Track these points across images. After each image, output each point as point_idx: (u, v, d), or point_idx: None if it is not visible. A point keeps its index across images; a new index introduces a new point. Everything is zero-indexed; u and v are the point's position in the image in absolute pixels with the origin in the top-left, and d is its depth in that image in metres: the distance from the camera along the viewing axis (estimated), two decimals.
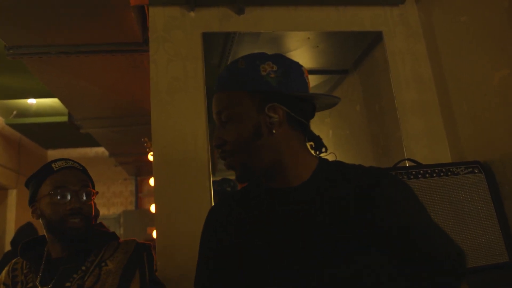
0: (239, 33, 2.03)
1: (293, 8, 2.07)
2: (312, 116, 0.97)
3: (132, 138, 4.68)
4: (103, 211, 7.36)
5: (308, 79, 0.95)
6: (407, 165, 1.82)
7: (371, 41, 2.20)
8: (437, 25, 2.01)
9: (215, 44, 2.08)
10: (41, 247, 1.32)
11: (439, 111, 2.03)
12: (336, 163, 0.97)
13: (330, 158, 0.99)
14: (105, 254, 1.29)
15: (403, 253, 0.83)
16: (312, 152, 0.98)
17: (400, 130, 1.98)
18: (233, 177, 2.40)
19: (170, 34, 1.95)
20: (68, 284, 1.20)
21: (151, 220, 5.85)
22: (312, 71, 2.55)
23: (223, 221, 0.99)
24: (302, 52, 2.26)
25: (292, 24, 2.07)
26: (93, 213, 1.31)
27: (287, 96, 0.90)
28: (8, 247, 4.52)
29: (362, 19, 2.12)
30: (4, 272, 1.31)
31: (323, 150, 0.98)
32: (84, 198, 1.27)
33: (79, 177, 1.30)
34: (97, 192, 1.36)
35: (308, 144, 0.98)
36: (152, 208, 4.60)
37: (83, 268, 1.24)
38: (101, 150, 6.82)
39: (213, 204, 1.74)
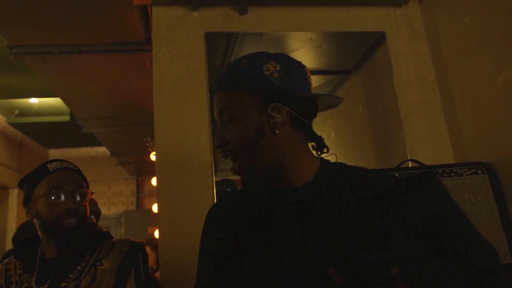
0: (242, 33, 2.03)
1: (296, 8, 2.07)
2: (314, 116, 0.97)
3: (134, 138, 4.69)
4: (104, 211, 7.31)
5: (310, 79, 0.95)
6: (410, 165, 1.82)
7: (374, 41, 2.19)
8: (440, 26, 2.01)
9: (218, 44, 2.08)
10: (34, 248, 1.32)
11: (442, 112, 2.02)
12: (338, 164, 0.97)
13: (331, 159, 0.99)
14: (100, 254, 1.30)
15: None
16: (314, 153, 0.98)
17: (403, 131, 1.98)
18: (233, 178, 2.41)
19: (173, 34, 1.95)
20: (64, 284, 1.21)
21: (152, 220, 5.85)
22: (314, 72, 2.53)
23: (223, 221, 0.98)
24: (304, 52, 2.26)
25: (295, 24, 2.07)
26: (88, 213, 1.32)
27: (290, 96, 0.89)
28: (9, 246, 4.53)
29: (365, 19, 2.12)
30: None
31: (325, 150, 0.97)
32: (79, 198, 1.28)
33: (74, 178, 1.31)
34: (92, 193, 1.37)
35: (309, 145, 0.98)
36: (154, 208, 4.60)
37: (79, 268, 1.25)
38: (102, 149, 6.83)
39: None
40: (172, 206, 1.75)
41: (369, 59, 2.30)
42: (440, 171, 1.61)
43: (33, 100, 5.09)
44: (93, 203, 2.05)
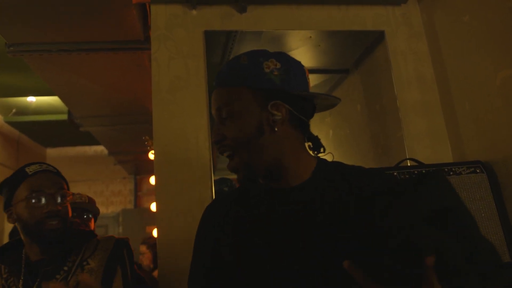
0: (241, 31, 2.02)
1: (295, 6, 2.07)
2: (312, 116, 0.97)
3: (132, 137, 4.68)
4: (102, 210, 7.27)
5: (308, 78, 0.95)
6: (409, 164, 1.82)
7: (373, 40, 2.19)
8: (439, 25, 2.01)
9: (216, 43, 2.07)
10: (18, 251, 1.32)
11: (441, 111, 2.03)
12: (335, 163, 0.97)
13: (328, 158, 0.99)
14: (86, 253, 1.31)
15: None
16: (311, 152, 0.98)
17: (402, 130, 1.98)
18: (231, 177, 2.40)
19: (171, 32, 1.95)
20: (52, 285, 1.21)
21: (150, 219, 5.85)
22: (313, 70, 2.54)
23: (220, 221, 0.98)
24: (303, 51, 2.25)
25: (294, 23, 2.06)
26: (70, 214, 1.32)
27: (290, 94, 0.89)
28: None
29: (364, 18, 2.11)
30: None
31: (321, 150, 0.98)
32: (60, 200, 1.29)
33: (54, 180, 1.31)
34: (72, 194, 1.38)
35: (306, 144, 0.98)
36: (152, 207, 4.60)
37: (65, 268, 1.26)
38: (100, 148, 6.82)
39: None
40: (170, 205, 1.74)
41: (368, 58, 2.30)
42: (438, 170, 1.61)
43: (31, 99, 5.08)
44: (92, 202, 2.05)
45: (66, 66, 2.78)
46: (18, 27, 2.23)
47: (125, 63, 2.80)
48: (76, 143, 7.20)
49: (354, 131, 2.52)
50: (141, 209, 7.38)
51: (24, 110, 5.44)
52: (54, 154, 7.43)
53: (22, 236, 1.31)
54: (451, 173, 1.61)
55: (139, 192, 7.82)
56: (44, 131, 6.17)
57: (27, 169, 1.31)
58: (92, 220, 2.02)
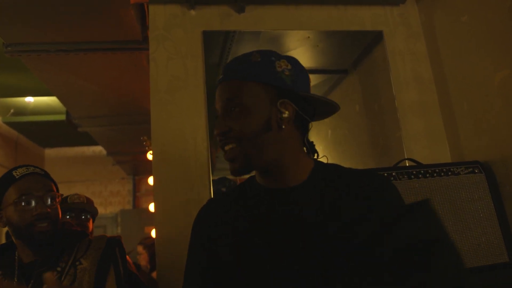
0: (239, 31, 2.02)
1: (293, 7, 2.07)
2: (312, 120, 0.99)
3: (130, 137, 4.67)
4: (100, 210, 7.30)
5: (310, 86, 0.99)
6: (408, 165, 1.82)
7: (371, 40, 2.19)
8: (437, 25, 2.01)
9: (215, 43, 2.07)
10: (11, 253, 1.33)
11: (439, 112, 2.03)
12: (332, 165, 0.99)
13: (323, 161, 1.01)
14: (78, 253, 1.32)
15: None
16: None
17: (400, 130, 1.98)
18: (231, 176, 2.40)
19: (170, 32, 1.94)
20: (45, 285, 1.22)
21: (149, 219, 5.84)
22: (311, 71, 2.54)
23: (218, 220, 0.98)
24: (302, 51, 2.25)
25: (292, 23, 2.06)
26: (60, 216, 1.32)
27: (298, 95, 0.92)
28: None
29: (363, 18, 2.11)
30: None
31: (315, 156, 1.00)
32: (49, 202, 1.29)
33: (43, 182, 1.31)
34: (62, 195, 1.37)
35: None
36: (151, 207, 4.59)
37: (59, 269, 1.26)
38: (98, 149, 6.81)
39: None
40: (168, 205, 1.74)
41: (367, 58, 2.30)
42: (437, 170, 1.61)
43: (29, 99, 5.07)
44: (90, 202, 2.05)
45: (64, 66, 2.78)
46: (16, 27, 2.23)
47: (123, 63, 2.80)
48: (74, 143, 7.19)
49: (353, 132, 2.52)
50: (139, 210, 7.37)
51: (22, 111, 5.44)
52: (52, 154, 7.42)
53: (13, 239, 1.31)
54: (449, 173, 1.61)
55: (138, 193, 7.81)
56: (42, 131, 6.16)
57: (14, 173, 1.31)
58: (91, 221, 2.01)
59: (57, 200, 1.33)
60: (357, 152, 2.48)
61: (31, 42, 2.37)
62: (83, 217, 1.97)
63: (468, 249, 1.52)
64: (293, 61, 0.95)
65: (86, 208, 2.00)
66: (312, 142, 1.01)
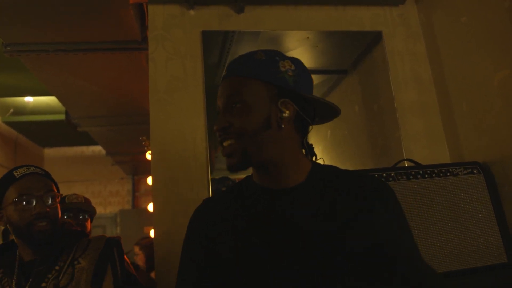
0: (239, 32, 2.02)
1: (292, 7, 2.07)
2: (313, 122, 0.99)
3: (129, 137, 4.67)
4: (99, 210, 7.34)
5: (312, 88, 0.99)
6: (406, 165, 1.82)
7: (371, 41, 2.19)
8: (437, 26, 2.01)
9: (214, 43, 2.07)
10: (12, 252, 1.35)
11: (438, 112, 2.03)
12: (330, 166, 1.00)
13: (320, 163, 1.02)
14: (77, 252, 1.33)
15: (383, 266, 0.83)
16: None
17: (399, 130, 1.98)
18: (232, 176, 2.40)
19: (169, 32, 1.94)
20: (43, 284, 1.24)
21: (148, 219, 5.84)
22: (311, 71, 2.52)
23: (216, 218, 0.98)
24: (301, 52, 2.25)
25: (292, 24, 2.06)
26: (59, 216, 1.34)
27: (300, 96, 0.92)
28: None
29: (362, 19, 2.11)
30: None
31: (313, 158, 1.01)
32: (49, 202, 1.31)
33: (42, 182, 1.33)
34: (61, 195, 1.39)
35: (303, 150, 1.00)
36: (150, 207, 4.59)
37: (57, 268, 1.28)
38: (98, 148, 6.81)
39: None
40: (167, 205, 1.74)
41: (366, 59, 2.30)
42: (436, 171, 1.61)
43: (28, 99, 5.07)
44: (87, 202, 2.05)
45: (63, 66, 2.78)
46: (15, 27, 2.23)
47: (122, 64, 2.80)
48: (74, 143, 7.19)
49: (352, 132, 2.52)
50: (139, 210, 7.38)
51: (22, 110, 5.44)
52: (52, 154, 7.42)
53: (14, 238, 1.33)
54: (448, 173, 1.61)
55: (137, 193, 7.81)
56: (41, 131, 6.16)
57: (14, 173, 1.33)
58: (89, 220, 2.01)
59: (57, 200, 1.34)
60: (356, 152, 2.48)
61: (30, 42, 2.37)
62: (81, 217, 1.97)
63: (467, 250, 1.51)
64: (297, 63, 0.96)
65: (84, 208, 2.00)
66: (311, 144, 1.02)
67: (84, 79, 3.04)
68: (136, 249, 3.65)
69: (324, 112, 1.00)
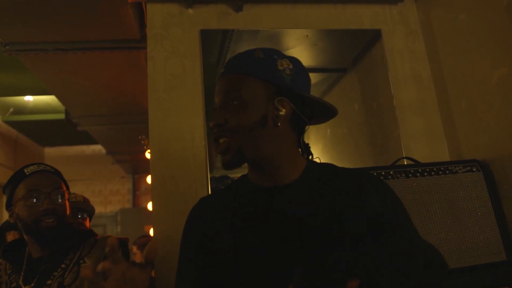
0: (237, 30, 2.02)
1: (291, 5, 2.06)
2: (310, 121, 1.00)
3: (130, 136, 4.67)
4: (100, 209, 7.35)
5: (310, 88, 1.00)
6: (405, 163, 1.82)
7: (370, 39, 2.19)
8: (436, 24, 2.01)
9: (213, 42, 2.07)
10: (22, 249, 1.38)
11: (437, 110, 2.02)
12: (326, 164, 1.00)
13: (316, 161, 1.02)
14: (83, 252, 1.35)
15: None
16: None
17: (398, 128, 1.98)
18: (232, 175, 2.40)
19: (168, 31, 1.94)
20: (49, 281, 1.26)
21: (148, 218, 5.84)
22: (310, 69, 2.53)
23: (214, 217, 0.98)
24: (300, 50, 2.25)
25: (291, 22, 2.06)
26: (68, 213, 1.37)
27: (296, 95, 0.93)
28: None
29: (361, 17, 2.11)
30: None
31: (310, 157, 1.01)
32: (57, 199, 1.33)
33: (51, 180, 1.36)
34: (69, 193, 1.42)
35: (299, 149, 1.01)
36: (150, 206, 4.59)
37: (63, 266, 1.30)
38: (98, 147, 6.81)
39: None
40: (166, 204, 1.74)
41: (365, 57, 2.30)
42: (435, 169, 1.61)
43: (28, 98, 5.07)
44: (86, 201, 2.05)
45: (62, 65, 2.78)
46: (14, 26, 2.22)
47: (121, 62, 2.79)
48: (74, 142, 7.19)
49: (352, 130, 2.52)
50: (139, 209, 7.38)
51: (22, 110, 5.44)
52: (52, 153, 7.43)
53: (23, 234, 1.35)
54: (447, 172, 1.61)
55: (137, 192, 7.81)
56: (42, 130, 6.16)
57: (25, 170, 1.36)
58: (88, 220, 2.01)
59: (66, 197, 1.37)
60: (355, 150, 2.48)
61: (29, 41, 2.36)
62: (79, 216, 1.97)
63: (466, 247, 1.52)
64: (295, 62, 0.96)
65: (82, 207, 2.00)
66: (308, 144, 1.02)
67: (84, 78, 3.04)
68: (134, 248, 3.67)
69: (321, 112, 1.01)
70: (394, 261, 0.81)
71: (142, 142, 4.15)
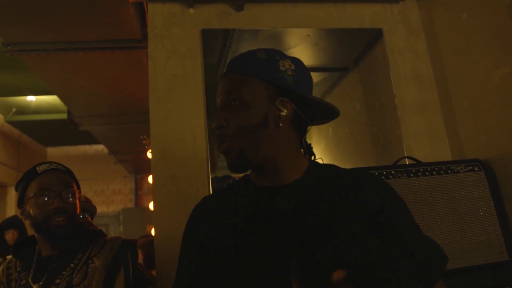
0: (239, 30, 2.02)
1: (292, 5, 2.06)
2: (311, 122, 0.99)
3: (132, 136, 4.67)
4: (102, 209, 7.36)
5: (312, 89, 0.99)
6: (407, 163, 1.81)
7: (371, 38, 2.18)
8: (437, 23, 2.00)
9: (214, 41, 2.07)
10: (32, 247, 1.39)
11: (439, 109, 2.02)
12: (328, 165, 1.00)
13: (319, 162, 1.02)
14: (92, 252, 1.36)
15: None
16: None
17: (400, 128, 1.97)
18: (234, 175, 2.40)
19: (169, 31, 1.94)
20: (58, 280, 1.27)
21: (151, 218, 5.83)
22: (312, 69, 2.52)
23: (216, 217, 0.98)
24: (302, 50, 2.25)
25: (292, 21, 2.06)
26: (78, 212, 1.38)
27: (298, 95, 0.93)
28: None
29: (362, 16, 2.10)
30: None
31: (312, 158, 1.01)
32: (68, 198, 1.34)
33: (62, 178, 1.37)
34: (80, 192, 1.44)
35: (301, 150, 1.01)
36: (151, 206, 4.60)
37: (72, 265, 1.31)
38: (100, 147, 6.81)
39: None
40: (168, 204, 1.74)
41: (367, 56, 2.29)
42: (436, 168, 1.60)
43: (31, 98, 5.08)
44: (87, 201, 2.05)
45: (64, 65, 2.78)
46: (15, 26, 2.23)
47: (123, 62, 2.80)
48: (76, 142, 7.20)
49: (354, 130, 2.51)
50: (141, 208, 7.38)
51: (24, 110, 5.45)
52: (55, 153, 7.44)
53: (34, 232, 1.37)
54: (449, 171, 1.60)
55: (140, 191, 7.82)
56: (44, 130, 6.18)
57: (37, 168, 1.37)
58: (89, 219, 2.01)
59: (77, 196, 1.39)
60: (357, 150, 2.47)
61: (30, 41, 2.37)
62: (81, 216, 1.97)
63: (468, 247, 1.51)
64: (297, 62, 0.96)
65: (84, 207, 1.99)
66: (310, 144, 1.02)
67: (85, 78, 3.05)
68: None
69: (323, 113, 1.01)
70: (392, 255, 0.81)
71: (144, 142, 4.15)
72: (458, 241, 1.51)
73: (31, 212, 1.31)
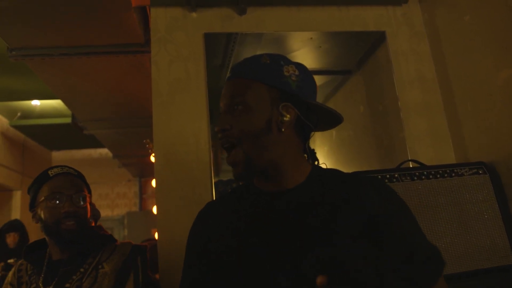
0: (241, 33, 2.02)
1: (295, 8, 2.06)
2: (315, 128, 0.99)
3: (136, 140, 4.69)
4: (107, 212, 7.38)
5: (316, 94, 1.00)
6: (411, 166, 1.80)
7: (374, 41, 2.18)
8: (440, 25, 2.00)
9: (217, 45, 2.07)
10: (43, 250, 1.39)
11: (443, 112, 2.01)
12: (331, 169, 1.01)
13: (322, 166, 1.02)
14: (102, 257, 1.36)
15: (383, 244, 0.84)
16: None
17: (403, 130, 1.97)
18: None
19: (171, 35, 1.95)
20: (67, 285, 1.27)
21: (155, 221, 5.85)
22: (315, 72, 2.53)
23: (219, 221, 0.98)
24: (305, 53, 2.25)
25: (295, 25, 2.06)
26: (88, 216, 1.38)
27: (301, 101, 0.93)
28: None
29: (365, 19, 2.10)
30: (10, 273, 1.39)
31: (316, 162, 1.01)
32: (79, 202, 1.34)
33: (74, 182, 1.38)
34: (90, 196, 1.44)
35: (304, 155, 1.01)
36: (155, 210, 4.61)
37: (82, 270, 1.31)
38: (105, 151, 6.84)
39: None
40: (171, 207, 1.74)
41: (370, 59, 2.29)
42: (440, 171, 1.59)
43: (35, 102, 5.11)
44: (91, 205, 2.05)
45: (68, 69, 2.80)
46: (20, 31, 2.24)
47: (126, 66, 2.81)
48: (81, 146, 7.23)
49: (357, 133, 2.51)
50: (146, 212, 7.40)
51: (29, 114, 5.49)
52: (59, 157, 7.47)
53: (45, 236, 1.37)
54: (453, 174, 1.59)
55: (144, 195, 7.84)
56: (49, 134, 6.21)
57: (49, 172, 1.37)
58: (93, 224, 2.01)
59: (88, 201, 1.39)
60: (361, 153, 2.46)
61: (34, 46, 2.39)
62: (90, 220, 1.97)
63: (473, 251, 1.50)
64: (302, 68, 0.97)
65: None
66: (313, 149, 1.02)
67: (88, 82, 3.06)
68: None
69: (327, 118, 1.01)
70: (381, 259, 0.80)
71: (147, 145, 4.16)
72: (462, 244, 1.50)
73: (42, 215, 1.31)
